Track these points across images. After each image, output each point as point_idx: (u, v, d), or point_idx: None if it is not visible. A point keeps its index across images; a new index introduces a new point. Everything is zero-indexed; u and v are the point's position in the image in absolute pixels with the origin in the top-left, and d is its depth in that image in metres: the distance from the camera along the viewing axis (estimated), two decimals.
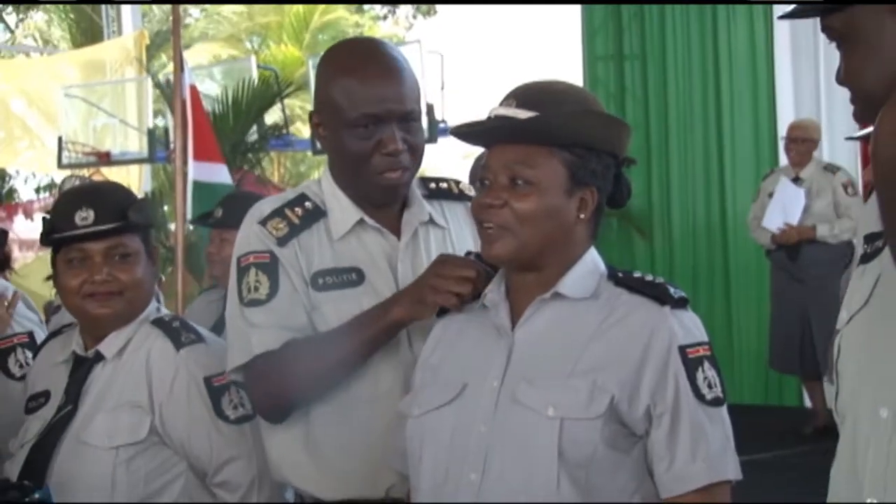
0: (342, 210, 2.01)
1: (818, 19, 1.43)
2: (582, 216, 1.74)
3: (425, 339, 1.89)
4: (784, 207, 6.50)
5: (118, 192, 2.30)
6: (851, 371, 1.44)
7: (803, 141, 6.61)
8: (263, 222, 1.98)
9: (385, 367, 1.94)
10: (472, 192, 2.14)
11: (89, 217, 2.19)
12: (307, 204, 2.02)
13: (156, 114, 11.90)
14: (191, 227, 5.69)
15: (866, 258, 1.46)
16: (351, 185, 2.00)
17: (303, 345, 1.92)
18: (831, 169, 6.60)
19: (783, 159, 7.28)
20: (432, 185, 2.13)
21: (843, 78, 1.42)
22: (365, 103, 1.91)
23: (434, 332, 1.88)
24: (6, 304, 2.46)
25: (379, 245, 2.01)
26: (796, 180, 6.60)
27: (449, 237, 2.06)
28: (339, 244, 1.99)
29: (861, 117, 1.43)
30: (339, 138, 1.96)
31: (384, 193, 1.98)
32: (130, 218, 2.21)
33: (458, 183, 2.17)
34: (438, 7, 17.32)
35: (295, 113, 15.32)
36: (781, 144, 7.14)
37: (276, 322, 1.92)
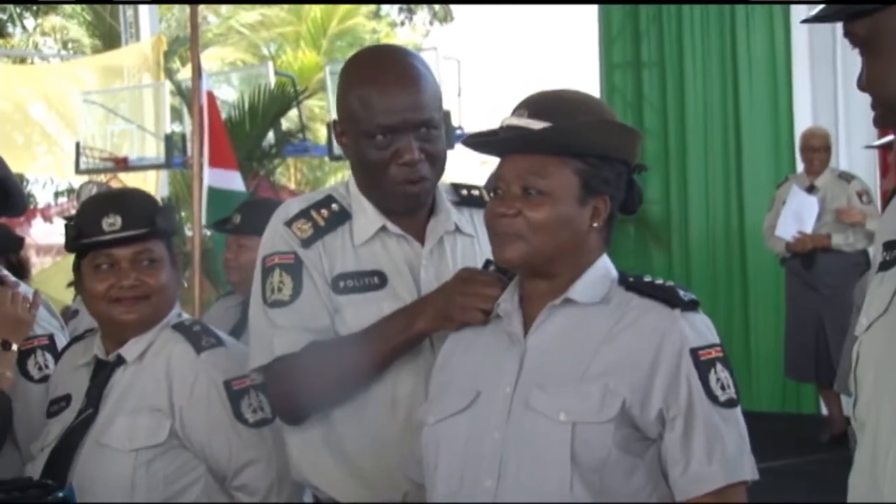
0: (366, 215, 2.02)
1: (838, 25, 1.44)
2: (595, 224, 1.76)
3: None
4: (797, 216, 6.50)
5: (144, 199, 2.33)
6: (870, 378, 1.44)
7: (826, 150, 6.62)
8: (289, 223, 2.00)
9: (406, 372, 1.96)
10: None
11: (117, 223, 2.22)
12: (334, 206, 2.03)
13: (173, 119, 11.96)
14: (207, 233, 5.72)
15: (886, 265, 1.46)
16: (373, 193, 2.02)
17: (323, 349, 1.94)
18: (846, 177, 6.59)
19: (800, 165, 7.28)
20: (464, 191, 2.14)
21: (864, 84, 1.43)
22: (380, 113, 1.92)
23: (448, 341, 1.90)
24: (28, 305, 2.49)
25: (402, 251, 2.02)
26: (811, 188, 6.60)
27: (477, 245, 2.06)
28: (362, 248, 2.00)
29: (882, 123, 1.44)
30: (359, 148, 1.97)
31: (404, 203, 1.99)
32: (157, 224, 2.24)
33: (487, 192, 2.17)
34: (455, 13, 17.35)
35: (312, 119, 15.36)
36: (799, 152, 7.13)
37: (299, 324, 1.94)
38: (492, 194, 1.79)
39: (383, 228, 2.01)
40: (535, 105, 1.73)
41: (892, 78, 1.39)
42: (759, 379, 7.87)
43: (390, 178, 1.95)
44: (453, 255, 2.05)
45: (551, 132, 1.70)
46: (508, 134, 1.73)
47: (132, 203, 2.28)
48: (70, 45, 16.67)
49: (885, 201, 1.55)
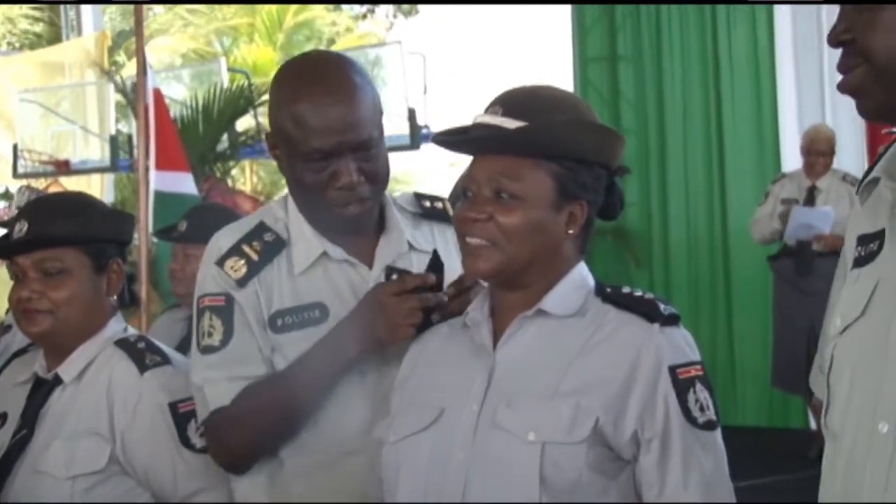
0: (305, 240, 2.01)
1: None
2: (571, 231, 1.75)
3: (393, 362, 1.91)
4: (810, 228, 6.51)
5: (69, 203, 2.29)
6: (845, 385, 1.44)
7: (831, 153, 6.68)
8: (221, 262, 1.98)
9: (353, 395, 1.95)
10: None
11: (23, 229, 2.19)
12: (266, 236, 2.00)
13: (118, 119, 11.88)
14: (154, 241, 5.67)
15: (861, 261, 1.47)
16: (311, 214, 2.00)
17: (254, 396, 1.92)
18: (850, 180, 6.63)
19: (786, 165, 7.31)
20: (426, 203, 2.13)
21: (854, 35, 1.39)
22: (316, 136, 1.90)
23: (411, 352, 1.89)
24: None
25: (347, 278, 2.00)
26: (812, 190, 6.64)
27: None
28: (301, 279, 1.99)
29: (851, 86, 1.38)
30: (293, 168, 1.95)
31: (345, 225, 1.98)
32: (56, 231, 2.19)
33: (451, 204, 2.16)
34: (421, 6, 17.36)
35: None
36: (783, 152, 7.17)
37: (229, 373, 1.93)
38: (461, 195, 1.77)
39: (325, 254, 2.00)
40: (510, 102, 1.72)
41: (889, 41, 1.34)
42: (745, 391, 7.91)
43: (328, 201, 1.94)
44: None
45: (526, 132, 1.68)
46: (480, 133, 1.72)
47: (49, 207, 2.25)
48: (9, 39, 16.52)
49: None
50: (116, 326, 2.28)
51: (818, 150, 6.69)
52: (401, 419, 1.80)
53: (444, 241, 2.09)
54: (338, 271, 1.99)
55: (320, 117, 1.89)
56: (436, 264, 1.94)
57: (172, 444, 2.15)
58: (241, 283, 1.96)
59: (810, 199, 6.67)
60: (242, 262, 1.97)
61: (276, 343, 1.95)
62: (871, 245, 1.46)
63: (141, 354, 2.21)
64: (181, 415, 2.16)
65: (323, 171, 1.91)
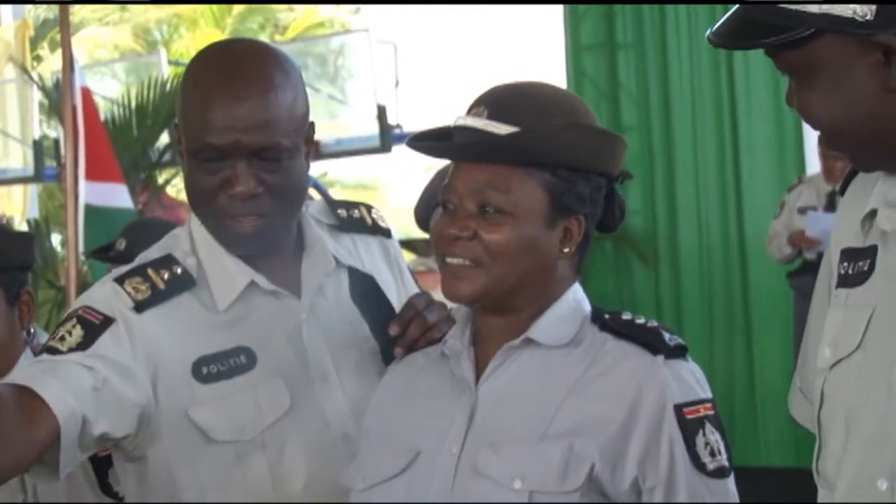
0: (224, 272, 1.95)
1: None
2: (566, 250, 1.75)
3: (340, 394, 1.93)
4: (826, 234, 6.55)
5: None
6: (840, 427, 1.47)
7: None
8: (121, 280, 1.92)
9: (291, 442, 1.92)
10: (386, 224, 2.14)
11: None
12: (175, 268, 1.95)
13: (43, 121, 11.84)
14: (86, 262, 5.66)
15: (848, 281, 1.51)
16: (206, 228, 1.95)
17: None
18: None
19: (810, 167, 7.34)
20: (341, 212, 2.10)
21: (797, 107, 1.50)
22: (210, 130, 1.85)
23: (382, 383, 1.90)
24: None
25: (272, 311, 1.96)
26: (833, 194, 6.68)
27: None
28: (224, 317, 1.94)
29: (829, 145, 1.52)
30: (188, 166, 1.92)
31: (240, 243, 1.92)
32: None
33: (370, 210, 2.15)
34: None
35: None
36: (808, 150, 7.20)
37: (53, 370, 1.80)
38: (441, 208, 1.78)
39: (252, 284, 1.95)
40: (497, 103, 1.73)
41: (827, 108, 1.46)
42: (767, 427, 7.90)
43: (216, 210, 1.90)
44: (338, 299, 2.01)
45: (516, 139, 1.69)
46: (464, 139, 1.73)
47: None
48: None
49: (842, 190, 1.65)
50: (25, 363, 2.29)
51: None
52: (369, 463, 1.80)
53: (370, 255, 2.08)
54: (262, 306, 1.95)
55: (220, 109, 1.85)
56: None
57: (91, 492, 2.18)
58: (140, 307, 1.89)
59: (831, 205, 6.71)
60: (147, 285, 1.92)
61: (201, 397, 1.90)
62: (859, 263, 1.49)
63: None
64: (100, 459, 2.17)
65: (216, 174, 1.87)
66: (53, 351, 1.84)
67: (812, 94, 1.46)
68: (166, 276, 1.93)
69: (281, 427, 1.92)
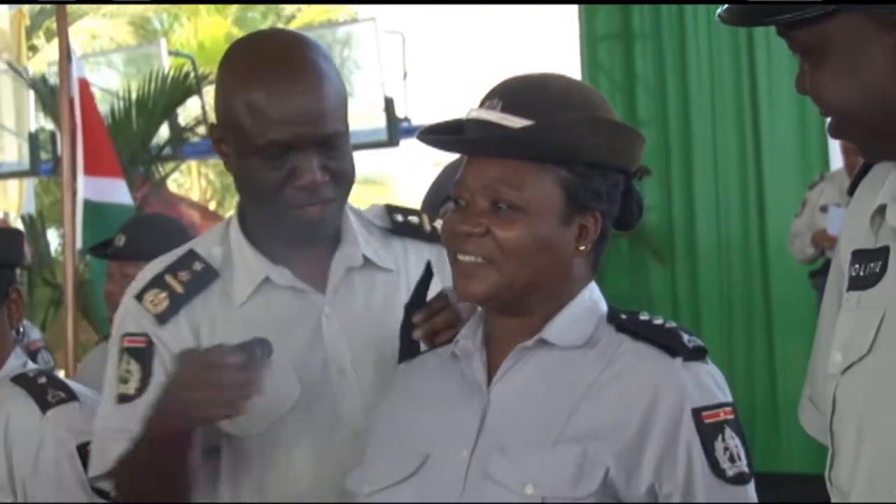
0: (246, 266, 2.02)
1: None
2: (581, 248, 1.76)
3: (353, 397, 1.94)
4: None
5: None
6: (852, 434, 1.46)
7: None
8: (139, 296, 2.00)
9: (304, 438, 1.97)
10: None
11: None
12: (196, 265, 2.02)
13: (38, 110, 11.84)
14: (86, 259, 5.67)
15: (859, 283, 1.50)
16: (263, 222, 2.02)
17: (124, 468, 1.94)
18: None
19: (834, 163, 7.33)
20: (398, 217, 2.14)
21: (807, 90, 1.48)
22: (273, 128, 1.91)
23: (392, 386, 1.90)
24: None
25: (294, 305, 2.01)
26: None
27: (403, 284, 2.06)
28: (241, 312, 2.00)
29: (836, 133, 1.50)
30: (245, 164, 1.97)
31: (305, 231, 1.99)
32: None
33: (432, 218, 2.18)
34: None
35: None
36: (832, 145, 7.18)
37: (133, 430, 1.92)
38: (452, 204, 1.79)
39: (267, 280, 2.01)
40: (511, 96, 1.73)
41: (839, 90, 1.44)
42: (790, 432, 7.88)
43: (285, 202, 1.96)
44: (368, 299, 2.04)
45: (531, 133, 1.69)
46: (477, 132, 1.73)
47: None
48: None
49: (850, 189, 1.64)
50: (15, 362, 2.32)
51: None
52: (376, 467, 1.81)
53: (419, 262, 2.09)
54: (282, 299, 2.00)
55: (281, 105, 1.91)
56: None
57: (83, 493, 2.18)
58: (162, 319, 1.98)
59: None
60: (164, 294, 1.99)
61: None
62: (870, 265, 1.49)
63: (42, 391, 2.25)
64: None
65: (280, 169, 1.93)
66: (127, 398, 1.96)
67: (825, 76, 1.45)
68: (185, 277, 2.01)
69: (291, 420, 1.96)
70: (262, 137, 1.92)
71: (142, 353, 1.97)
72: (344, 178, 1.98)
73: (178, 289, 2.00)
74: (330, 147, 1.95)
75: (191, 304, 1.99)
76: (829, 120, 1.49)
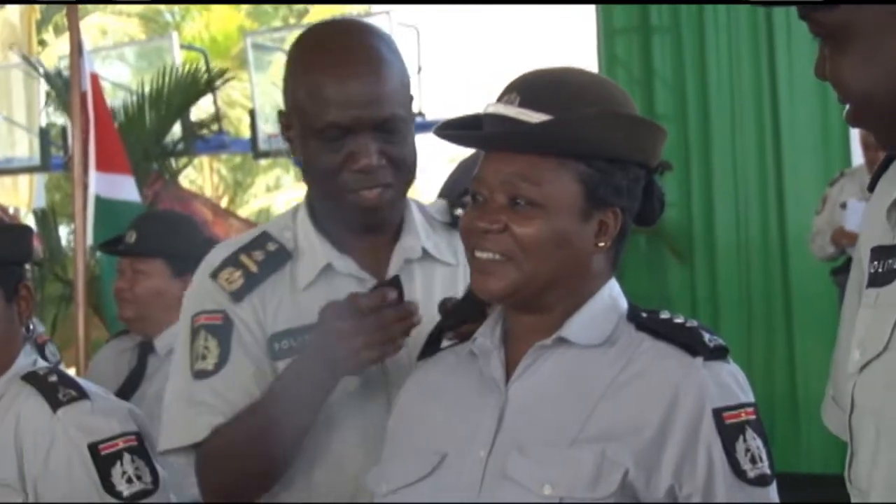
0: (311, 251, 2.08)
1: None
2: (601, 244, 1.76)
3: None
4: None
5: None
6: (870, 432, 1.46)
7: None
8: (215, 274, 2.06)
9: (352, 419, 2.01)
10: None
11: None
12: (269, 245, 2.08)
13: (48, 104, 11.86)
14: (97, 255, 5.69)
15: (878, 280, 1.49)
16: (324, 206, 2.07)
17: (227, 436, 1.99)
18: None
19: (856, 159, 7.31)
20: (459, 212, 2.15)
21: (828, 75, 1.47)
22: (331, 109, 1.97)
23: (408, 383, 1.91)
24: None
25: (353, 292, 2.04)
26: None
27: (462, 278, 2.08)
28: (303, 296, 2.05)
29: (855, 121, 1.49)
30: (306, 147, 2.03)
31: (362, 216, 2.03)
32: None
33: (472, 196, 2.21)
34: None
35: (230, 105, 15.33)
36: (854, 141, 7.17)
37: (214, 403, 2.00)
38: (470, 200, 1.79)
39: (329, 267, 2.06)
40: (530, 90, 1.73)
41: (860, 75, 1.43)
42: (810, 432, 7.88)
43: (342, 186, 2.00)
44: (427, 290, 2.07)
45: (551, 127, 1.69)
46: (495, 128, 1.73)
47: None
48: None
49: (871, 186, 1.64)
50: (25, 360, 2.33)
51: (871, 141, 6.70)
52: (393, 466, 1.82)
53: None
54: (343, 288, 2.02)
55: (339, 88, 1.97)
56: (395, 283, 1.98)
57: (94, 492, 2.19)
58: (237, 296, 2.04)
59: None
60: (239, 273, 2.06)
61: (276, 371, 2.02)
62: (889, 261, 1.48)
63: (53, 389, 2.25)
64: (103, 458, 2.21)
65: (339, 152, 1.99)
66: (205, 374, 2.02)
67: (846, 60, 1.44)
68: (259, 256, 2.07)
69: (345, 405, 2.01)
70: (321, 120, 1.98)
71: (219, 330, 2.03)
72: (403, 164, 2.03)
73: (253, 268, 2.06)
74: (389, 132, 2.00)
75: (264, 283, 2.05)
76: (847, 107, 1.48)
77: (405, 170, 2.04)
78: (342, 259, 2.06)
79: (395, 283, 1.94)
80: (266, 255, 2.07)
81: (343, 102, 1.97)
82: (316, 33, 2.11)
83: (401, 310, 1.92)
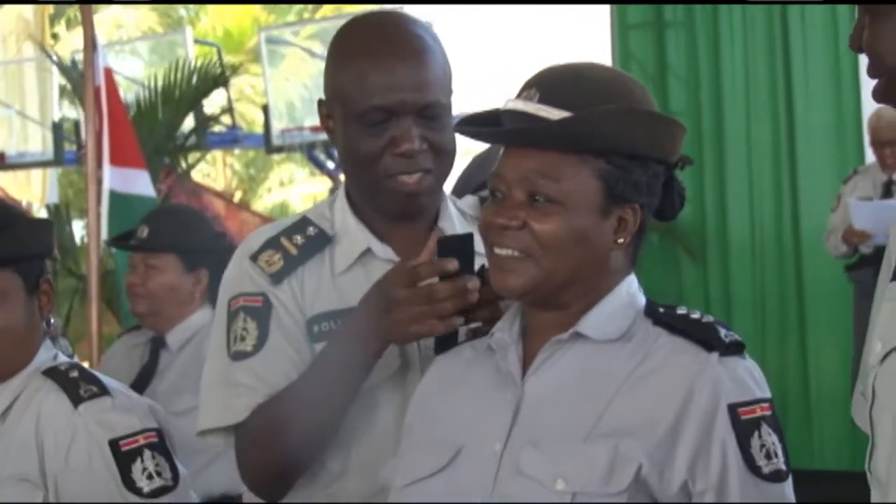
0: (349, 236, 2.10)
1: None
2: (620, 240, 1.76)
3: None
4: (880, 224, 6.52)
5: None
6: (888, 424, 1.46)
7: None
8: (255, 257, 2.08)
9: (386, 398, 2.03)
10: None
11: None
12: (310, 230, 2.11)
13: (62, 97, 11.89)
14: (110, 250, 5.70)
15: None
16: (363, 193, 2.09)
17: (267, 416, 2.00)
18: None
19: (871, 156, 7.29)
20: None
21: (864, 45, 1.47)
22: (375, 93, 2.00)
23: (427, 377, 1.92)
24: None
25: None
26: (890, 184, 6.64)
27: None
28: (342, 280, 2.08)
29: (884, 96, 1.48)
30: (348, 133, 2.06)
31: (401, 202, 2.05)
32: None
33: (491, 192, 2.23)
34: None
35: (242, 100, 15.33)
36: (867, 142, 7.16)
37: (263, 382, 2.02)
38: (489, 196, 1.79)
39: (367, 251, 2.08)
40: (549, 86, 1.73)
41: None
42: (823, 428, 7.88)
43: (382, 171, 2.03)
44: None
45: (570, 125, 1.69)
46: (514, 124, 1.74)
47: None
48: None
49: None
50: (45, 355, 2.34)
51: (883, 139, 6.69)
52: (410, 459, 1.82)
53: None
54: (381, 271, 2.03)
55: (383, 72, 2.01)
56: (464, 249, 1.94)
57: (115, 488, 2.20)
58: (277, 278, 2.06)
59: (888, 194, 6.68)
60: (279, 255, 2.08)
61: (312, 352, 2.03)
62: None
63: (74, 385, 2.25)
64: (124, 454, 2.21)
65: (381, 136, 2.02)
66: (243, 356, 2.03)
67: (885, 28, 1.43)
68: (300, 240, 2.09)
69: (384, 388, 2.02)
70: (365, 103, 2.01)
71: (258, 312, 2.05)
72: (443, 151, 2.05)
73: (293, 251, 2.08)
74: (431, 118, 2.02)
75: (303, 266, 2.07)
76: (875, 82, 1.46)
77: (445, 157, 2.06)
78: (381, 245, 2.08)
79: (466, 240, 1.91)
80: (306, 238, 2.09)
81: (388, 86, 2.00)
82: (360, 23, 2.13)
83: (458, 286, 1.88)
